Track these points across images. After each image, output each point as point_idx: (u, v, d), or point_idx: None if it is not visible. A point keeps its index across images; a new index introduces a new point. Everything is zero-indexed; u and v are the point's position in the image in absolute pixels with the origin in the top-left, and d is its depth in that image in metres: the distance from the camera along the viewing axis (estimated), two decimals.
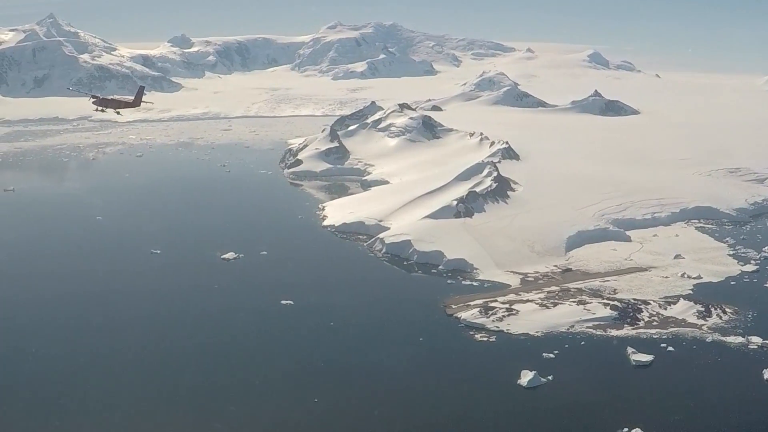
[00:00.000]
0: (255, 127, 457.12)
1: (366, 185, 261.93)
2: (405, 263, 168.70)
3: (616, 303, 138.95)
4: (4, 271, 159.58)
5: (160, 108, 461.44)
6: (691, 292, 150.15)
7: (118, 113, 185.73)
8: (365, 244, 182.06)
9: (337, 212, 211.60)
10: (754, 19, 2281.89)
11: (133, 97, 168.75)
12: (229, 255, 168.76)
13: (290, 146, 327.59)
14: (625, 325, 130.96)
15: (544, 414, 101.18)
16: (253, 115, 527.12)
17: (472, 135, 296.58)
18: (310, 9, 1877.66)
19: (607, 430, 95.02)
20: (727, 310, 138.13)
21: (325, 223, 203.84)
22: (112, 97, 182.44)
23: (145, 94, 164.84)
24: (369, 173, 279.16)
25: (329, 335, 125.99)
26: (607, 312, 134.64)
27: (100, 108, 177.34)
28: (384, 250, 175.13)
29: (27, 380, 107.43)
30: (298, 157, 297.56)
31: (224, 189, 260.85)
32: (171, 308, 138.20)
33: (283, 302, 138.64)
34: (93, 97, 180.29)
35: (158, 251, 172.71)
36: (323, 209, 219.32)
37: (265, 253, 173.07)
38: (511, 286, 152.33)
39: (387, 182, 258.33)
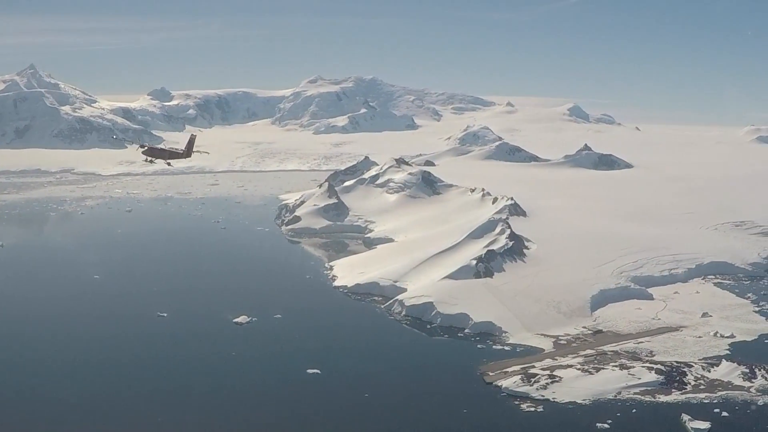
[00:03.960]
0: (242, 182, 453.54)
1: (369, 243, 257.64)
2: (428, 326, 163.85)
3: (659, 366, 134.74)
4: None
5: (142, 161, 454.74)
6: (728, 352, 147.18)
7: (168, 164, 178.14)
8: (382, 306, 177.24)
9: (347, 272, 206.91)
10: (731, 71, 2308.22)
11: (184, 147, 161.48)
12: (242, 318, 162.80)
13: (285, 202, 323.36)
14: (673, 390, 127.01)
15: None
16: (238, 170, 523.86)
17: (473, 191, 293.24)
18: (290, 63, 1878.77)
19: None
20: None
21: (337, 283, 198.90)
22: (161, 146, 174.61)
23: (198, 150, 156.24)
24: (371, 230, 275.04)
25: (366, 408, 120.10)
26: (652, 376, 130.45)
27: (149, 159, 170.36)
28: (404, 313, 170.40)
29: None
30: (296, 213, 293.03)
31: (222, 246, 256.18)
32: (187, 379, 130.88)
33: (310, 371, 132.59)
34: (142, 146, 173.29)
35: (165, 314, 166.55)
36: (331, 269, 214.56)
37: (279, 316, 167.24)
38: (544, 350, 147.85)
39: (391, 240, 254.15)
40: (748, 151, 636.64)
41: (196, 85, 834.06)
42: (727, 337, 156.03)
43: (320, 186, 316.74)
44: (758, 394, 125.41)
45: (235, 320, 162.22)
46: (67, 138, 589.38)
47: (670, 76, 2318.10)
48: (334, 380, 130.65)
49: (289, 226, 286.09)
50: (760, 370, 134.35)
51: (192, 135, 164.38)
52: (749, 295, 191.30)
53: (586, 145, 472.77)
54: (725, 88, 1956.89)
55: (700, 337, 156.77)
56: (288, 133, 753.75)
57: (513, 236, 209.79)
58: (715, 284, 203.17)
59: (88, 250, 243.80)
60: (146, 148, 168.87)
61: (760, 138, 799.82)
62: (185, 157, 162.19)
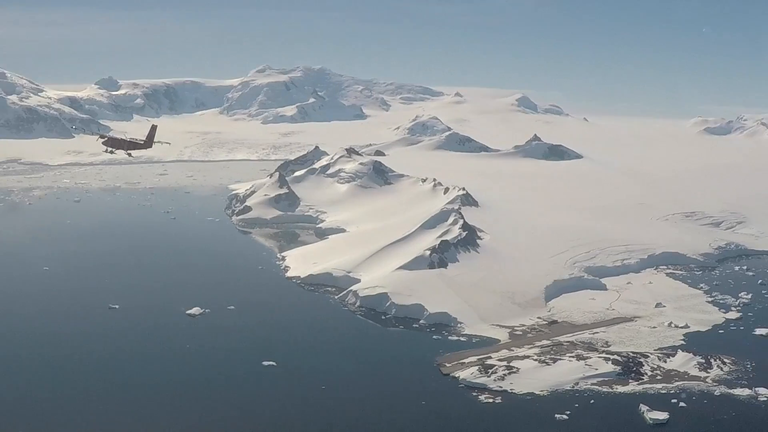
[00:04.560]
0: (191, 172, 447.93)
1: (321, 233, 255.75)
2: (383, 317, 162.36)
3: (616, 357, 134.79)
4: None
5: (90, 151, 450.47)
6: (683, 342, 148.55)
7: (129, 155, 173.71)
8: (336, 297, 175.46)
9: (300, 262, 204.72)
10: (680, 65, 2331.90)
11: (144, 138, 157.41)
12: (195, 310, 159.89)
13: (235, 192, 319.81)
14: (630, 381, 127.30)
15: None
16: (187, 159, 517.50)
17: (424, 181, 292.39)
18: (238, 53, 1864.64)
19: None
20: (725, 360, 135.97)
21: (289, 274, 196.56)
22: (122, 137, 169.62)
23: (159, 141, 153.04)
24: (322, 221, 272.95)
25: (323, 401, 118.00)
26: (609, 367, 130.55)
27: (109, 149, 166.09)
28: (358, 304, 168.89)
29: None
30: (247, 203, 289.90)
31: (173, 237, 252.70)
32: (141, 373, 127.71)
33: (265, 363, 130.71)
34: (102, 136, 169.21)
35: (116, 306, 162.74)
36: (283, 259, 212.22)
37: (232, 307, 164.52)
38: (500, 340, 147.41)
39: (343, 230, 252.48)
40: (696, 143, 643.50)
41: (144, 75, 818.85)
42: (682, 327, 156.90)
43: (271, 176, 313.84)
44: (715, 384, 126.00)
45: (188, 312, 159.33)
46: (13, 128, 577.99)
47: (618, 68, 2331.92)
48: (290, 372, 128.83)
49: (240, 217, 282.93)
50: (715, 360, 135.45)
51: (153, 125, 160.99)
52: (701, 285, 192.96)
53: (535, 135, 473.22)
54: (674, 81, 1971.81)
55: (654, 327, 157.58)
56: (236, 122, 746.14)
57: (466, 227, 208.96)
58: (668, 274, 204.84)
59: (36, 241, 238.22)
60: (106, 138, 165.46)
61: (708, 130, 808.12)
62: (146, 148, 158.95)
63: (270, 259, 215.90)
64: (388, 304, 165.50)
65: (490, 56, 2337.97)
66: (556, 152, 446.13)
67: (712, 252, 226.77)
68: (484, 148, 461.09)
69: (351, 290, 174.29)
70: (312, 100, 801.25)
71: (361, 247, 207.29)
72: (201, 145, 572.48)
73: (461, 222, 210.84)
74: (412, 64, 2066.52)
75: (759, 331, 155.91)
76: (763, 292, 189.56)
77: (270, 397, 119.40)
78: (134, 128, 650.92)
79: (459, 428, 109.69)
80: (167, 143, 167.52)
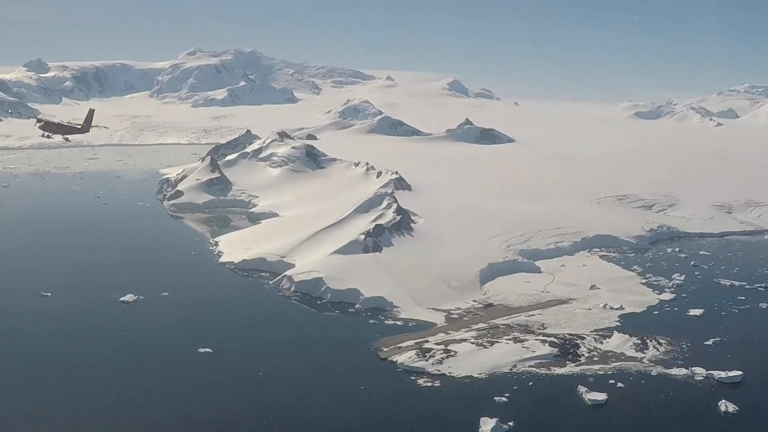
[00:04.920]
0: (121, 156, 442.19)
1: (253, 218, 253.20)
2: (318, 302, 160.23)
3: (553, 339, 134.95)
4: None
5: (18, 135, 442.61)
6: (618, 323, 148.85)
7: (66, 139, 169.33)
8: (271, 283, 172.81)
9: (233, 248, 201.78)
10: (608, 49, 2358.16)
11: (82, 122, 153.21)
12: (128, 297, 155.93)
13: (166, 176, 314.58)
14: (568, 362, 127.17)
15: None
16: (117, 143, 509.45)
17: (357, 165, 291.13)
18: (169, 35, 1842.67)
19: None
20: (661, 341, 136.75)
21: (223, 259, 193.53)
22: (59, 121, 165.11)
23: (97, 125, 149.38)
24: (255, 205, 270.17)
25: (262, 387, 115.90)
26: (546, 349, 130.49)
27: (46, 134, 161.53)
28: (293, 289, 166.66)
29: None
30: (178, 188, 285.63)
31: (105, 223, 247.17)
32: (76, 362, 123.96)
33: (201, 350, 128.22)
34: (39, 121, 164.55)
35: (48, 293, 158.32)
36: (216, 244, 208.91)
37: (166, 294, 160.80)
38: (437, 324, 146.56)
39: (276, 215, 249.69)
40: (626, 127, 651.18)
41: (73, 57, 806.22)
42: (617, 309, 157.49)
43: (202, 160, 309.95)
44: (651, 364, 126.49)
45: (122, 299, 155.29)
46: None
47: (548, 53, 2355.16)
48: (227, 359, 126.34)
49: (171, 201, 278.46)
50: (651, 341, 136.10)
51: (90, 109, 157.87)
52: (635, 267, 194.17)
53: (467, 119, 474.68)
54: (605, 67, 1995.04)
55: (589, 309, 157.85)
56: (166, 106, 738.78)
57: (400, 210, 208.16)
58: (601, 257, 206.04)
59: None
60: (43, 122, 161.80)
61: (638, 114, 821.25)
62: (83, 132, 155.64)
63: (203, 245, 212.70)
64: (323, 288, 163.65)
65: (421, 40, 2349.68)
66: (488, 136, 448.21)
67: (644, 234, 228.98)
68: (416, 132, 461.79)
69: (285, 275, 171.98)
70: (243, 83, 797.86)
71: (295, 231, 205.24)
72: (131, 129, 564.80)
73: (395, 206, 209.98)
74: (344, 48, 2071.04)
75: (693, 312, 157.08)
76: (695, 273, 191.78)
77: (207, 384, 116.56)
78: (63, 112, 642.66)
79: (399, 413, 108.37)
80: (105, 127, 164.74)
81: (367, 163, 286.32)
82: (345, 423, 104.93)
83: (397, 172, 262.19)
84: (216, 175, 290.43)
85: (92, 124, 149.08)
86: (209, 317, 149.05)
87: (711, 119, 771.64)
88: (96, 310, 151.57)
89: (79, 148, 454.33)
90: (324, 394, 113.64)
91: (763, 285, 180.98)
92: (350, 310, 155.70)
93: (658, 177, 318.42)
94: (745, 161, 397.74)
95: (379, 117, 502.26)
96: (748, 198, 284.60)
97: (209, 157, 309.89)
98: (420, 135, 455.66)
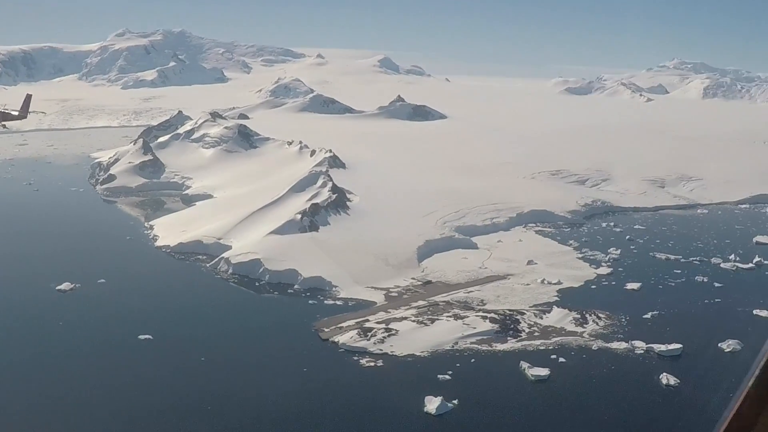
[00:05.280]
0: (51, 141, 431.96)
1: (187, 200, 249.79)
2: (257, 284, 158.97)
3: (493, 315, 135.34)
4: None
5: None
6: (557, 298, 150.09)
7: (3, 126, 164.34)
8: (208, 265, 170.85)
9: (168, 231, 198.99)
10: (536, 24, 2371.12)
11: (19, 109, 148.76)
12: (65, 285, 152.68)
13: (98, 160, 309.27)
14: (509, 338, 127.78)
15: None
16: (46, 128, 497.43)
17: (290, 144, 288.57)
18: (97, 16, 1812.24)
19: None
20: (600, 315, 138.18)
21: (158, 243, 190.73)
22: None
23: (34, 111, 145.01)
24: (188, 186, 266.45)
25: (204, 372, 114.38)
26: (487, 325, 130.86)
27: None
28: (231, 271, 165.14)
29: None
30: (111, 172, 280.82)
31: (37, 210, 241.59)
32: (12, 352, 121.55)
33: (141, 337, 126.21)
34: None
35: None
36: (151, 228, 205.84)
37: (103, 281, 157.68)
38: (376, 303, 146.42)
39: (210, 196, 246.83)
40: (557, 103, 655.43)
41: None
42: (555, 284, 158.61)
43: (134, 143, 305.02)
44: (591, 339, 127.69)
45: (58, 288, 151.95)
46: None
47: (478, 29, 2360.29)
48: (168, 345, 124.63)
49: (104, 186, 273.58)
50: (590, 315, 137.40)
51: (27, 95, 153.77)
52: (571, 242, 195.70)
53: (399, 96, 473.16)
54: (534, 42, 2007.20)
55: (528, 284, 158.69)
56: (96, 88, 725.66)
57: (335, 189, 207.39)
58: (537, 232, 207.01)
59: None
60: None
61: (569, 90, 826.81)
62: (21, 119, 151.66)
63: (138, 229, 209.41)
64: (261, 270, 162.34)
65: (350, 18, 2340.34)
66: (420, 113, 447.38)
67: (579, 209, 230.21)
68: (349, 110, 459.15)
69: (222, 257, 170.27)
70: (172, 63, 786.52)
71: (230, 212, 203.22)
72: (61, 113, 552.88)
73: (330, 184, 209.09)
74: (273, 26, 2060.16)
75: (630, 286, 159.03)
76: (631, 247, 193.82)
77: (149, 371, 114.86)
78: None
79: (342, 393, 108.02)
80: (42, 113, 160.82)
81: (300, 142, 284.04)
82: (289, 406, 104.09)
83: (330, 150, 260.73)
84: (148, 157, 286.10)
85: (30, 110, 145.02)
86: (148, 303, 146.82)
87: (641, 95, 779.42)
88: (32, 299, 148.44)
89: (8, 134, 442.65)
90: (267, 378, 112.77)
91: (697, 258, 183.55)
92: (289, 291, 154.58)
93: (591, 152, 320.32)
94: (676, 136, 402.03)
95: (311, 95, 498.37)
96: (681, 173, 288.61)
97: (141, 139, 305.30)
98: (352, 113, 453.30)
